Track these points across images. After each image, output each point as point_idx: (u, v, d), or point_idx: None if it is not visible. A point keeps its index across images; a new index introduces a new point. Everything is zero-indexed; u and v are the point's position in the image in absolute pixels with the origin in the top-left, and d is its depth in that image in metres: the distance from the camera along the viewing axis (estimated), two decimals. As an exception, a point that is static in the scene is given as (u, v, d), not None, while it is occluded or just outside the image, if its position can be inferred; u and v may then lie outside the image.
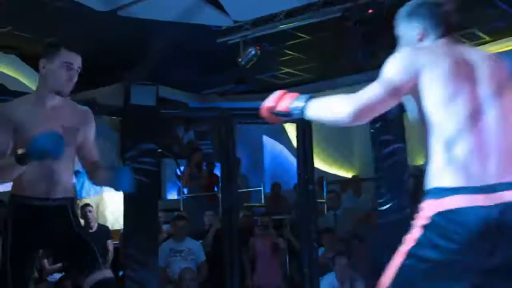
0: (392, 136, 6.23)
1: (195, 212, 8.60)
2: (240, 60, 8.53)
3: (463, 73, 2.34)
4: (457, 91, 2.30)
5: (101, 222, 7.80)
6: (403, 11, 2.64)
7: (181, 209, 9.00)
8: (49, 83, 3.27)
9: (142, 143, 5.61)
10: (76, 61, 3.32)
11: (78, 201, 8.59)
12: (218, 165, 8.60)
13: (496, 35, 9.12)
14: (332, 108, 2.37)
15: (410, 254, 2.25)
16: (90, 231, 7.25)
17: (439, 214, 2.21)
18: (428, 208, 2.26)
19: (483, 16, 8.36)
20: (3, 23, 8.18)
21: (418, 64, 2.34)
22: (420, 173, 8.30)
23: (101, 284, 3.21)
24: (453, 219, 2.18)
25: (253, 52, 8.45)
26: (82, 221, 7.72)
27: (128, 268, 5.46)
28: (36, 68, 9.57)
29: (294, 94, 2.52)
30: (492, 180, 2.22)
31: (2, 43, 8.78)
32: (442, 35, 2.55)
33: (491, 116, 2.29)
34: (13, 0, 7.42)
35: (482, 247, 2.16)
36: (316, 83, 10.70)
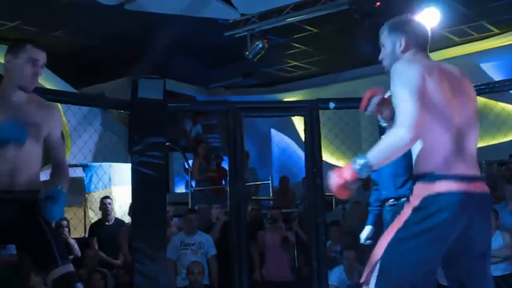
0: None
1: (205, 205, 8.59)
2: (247, 53, 8.52)
3: (452, 85, 2.73)
4: (450, 99, 2.68)
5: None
6: (388, 24, 2.95)
7: (189, 202, 9.01)
8: (14, 78, 3.27)
9: (150, 136, 5.59)
10: (42, 57, 3.30)
11: (87, 194, 8.63)
12: (226, 158, 8.60)
13: (505, 27, 9.08)
14: (390, 142, 2.59)
15: (402, 228, 2.62)
16: (107, 223, 7.25)
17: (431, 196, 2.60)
18: (420, 191, 2.64)
19: (492, 8, 8.33)
20: (12, 18, 8.20)
21: (423, 72, 2.65)
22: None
23: (62, 277, 3.16)
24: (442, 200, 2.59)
25: (260, 45, 8.43)
26: (100, 213, 7.76)
27: (136, 261, 5.46)
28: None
29: (348, 166, 2.64)
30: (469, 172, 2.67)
31: (11, 37, 8.80)
32: (421, 50, 2.86)
33: (467, 123, 2.72)
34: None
35: (462, 223, 2.59)
36: (323, 76, 10.68)
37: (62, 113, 8.82)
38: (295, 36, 9.21)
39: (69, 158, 8.53)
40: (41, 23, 8.42)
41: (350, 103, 6.55)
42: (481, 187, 2.69)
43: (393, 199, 4.76)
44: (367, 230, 5.06)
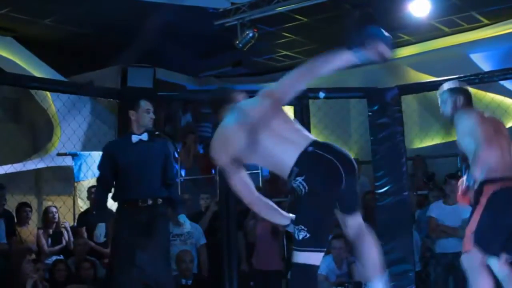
0: (390, 119, 6.22)
1: (193, 194, 8.59)
2: (237, 42, 8.50)
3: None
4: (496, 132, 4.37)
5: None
6: (448, 86, 4.61)
7: (179, 191, 9.00)
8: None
9: (139, 125, 5.57)
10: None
11: (76, 183, 8.61)
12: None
13: (494, 18, 9.10)
14: (474, 174, 4.22)
15: (484, 210, 4.19)
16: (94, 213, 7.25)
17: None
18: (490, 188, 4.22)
19: (482, -1, 8.35)
20: (1, 5, 8.14)
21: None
22: (416, 156, 8.28)
23: None
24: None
25: (250, 35, 8.42)
26: (88, 203, 7.75)
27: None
28: (32, 50, 9.46)
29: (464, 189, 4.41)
30: None
31: (0, 24, 8.74)
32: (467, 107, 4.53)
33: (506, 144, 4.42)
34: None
35: None
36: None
37: (51, 101, 8.80)
38: (285, 26, 9.20)
39: (58, 147, 8.50)
40: (31, 11, 8.35)
41: (340, 92, 6.57)
42: None
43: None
44: (103, 228, 6.09)
